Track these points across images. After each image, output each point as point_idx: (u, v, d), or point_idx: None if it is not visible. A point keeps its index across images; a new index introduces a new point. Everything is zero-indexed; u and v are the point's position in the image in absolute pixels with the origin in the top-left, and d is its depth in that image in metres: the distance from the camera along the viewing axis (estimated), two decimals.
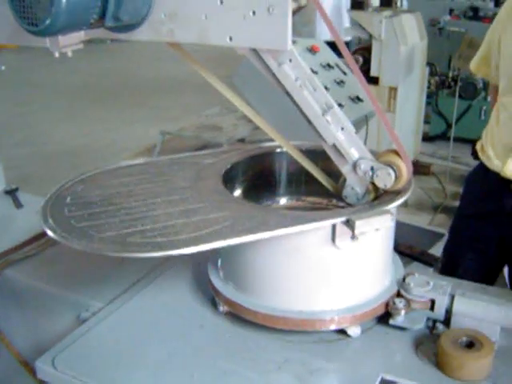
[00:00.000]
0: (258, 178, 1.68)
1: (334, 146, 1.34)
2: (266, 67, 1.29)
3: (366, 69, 4.53)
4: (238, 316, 1.40)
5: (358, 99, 3.14)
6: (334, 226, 1.28)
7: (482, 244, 2.44)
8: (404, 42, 4.54)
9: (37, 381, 1.66)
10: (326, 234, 1.29)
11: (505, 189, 2.30)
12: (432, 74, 6.42)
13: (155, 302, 1.52)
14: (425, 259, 1.73)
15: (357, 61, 4.28)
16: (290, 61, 1.27)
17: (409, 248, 1.75)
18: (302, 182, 1.68)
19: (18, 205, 2.22)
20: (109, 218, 1.34)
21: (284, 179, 1.69)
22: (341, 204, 1.53)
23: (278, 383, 1.24)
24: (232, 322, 1.43)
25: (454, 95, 5.71)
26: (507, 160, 2.26)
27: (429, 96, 6.38)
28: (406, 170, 1.35)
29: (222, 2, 1.18)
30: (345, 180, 1.40)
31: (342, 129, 1.32)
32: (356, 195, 1.40)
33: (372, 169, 1.34)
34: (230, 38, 1.20)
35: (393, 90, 4.49)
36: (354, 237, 1.28)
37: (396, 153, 1.36)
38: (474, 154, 2.53)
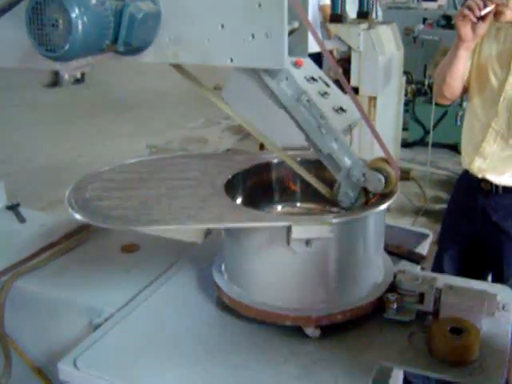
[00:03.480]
0: (265, 183, 1.80)
1: (329, 156, 1.45)
2: (265, 86, 1.38)
3: (346, 79, 4.67)
4: (243, 314, 1.50)
5: (342, 110, 3.27)
6: (288, 230, 1.35)
7: (459, 237, 2.61)
8: (382, 52, 4.68)
9: None
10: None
11: (476, 187, 2.47)
12: (408, 82, 6.60)
13: (165, 305, 1.61)
14: (412, 258, 1.83)
15: None
16: (287, 79, 1.38)
17: (396, 248, 1.85)
18: (300, 189, 1.78)
19: (21, 219, 2.31)
20: (112, 195, 1.54)
21: (284, 186, 1.80)
22: (334, 209, 1.65)
23: (287, 373, 1.33)
24: (237, 319, 1.51)
25: (431, 102, 5.84)
26: (474, 157, 2.44)
27: (406, 104, 6.54)
28: (394, 175, 1.45)
29: (223, 27, 1.26)
30: (339, 186, 1.50)
31: (336, 139, 1.44)
32: (350, 200, 1.50)
33: (364, 175, 1.45)
34: (231, 60, 1.28)
35: (372, 100, 4.62)
36: (308, 243, 1.36)
37: (385, 160, 1.47)
38: None
